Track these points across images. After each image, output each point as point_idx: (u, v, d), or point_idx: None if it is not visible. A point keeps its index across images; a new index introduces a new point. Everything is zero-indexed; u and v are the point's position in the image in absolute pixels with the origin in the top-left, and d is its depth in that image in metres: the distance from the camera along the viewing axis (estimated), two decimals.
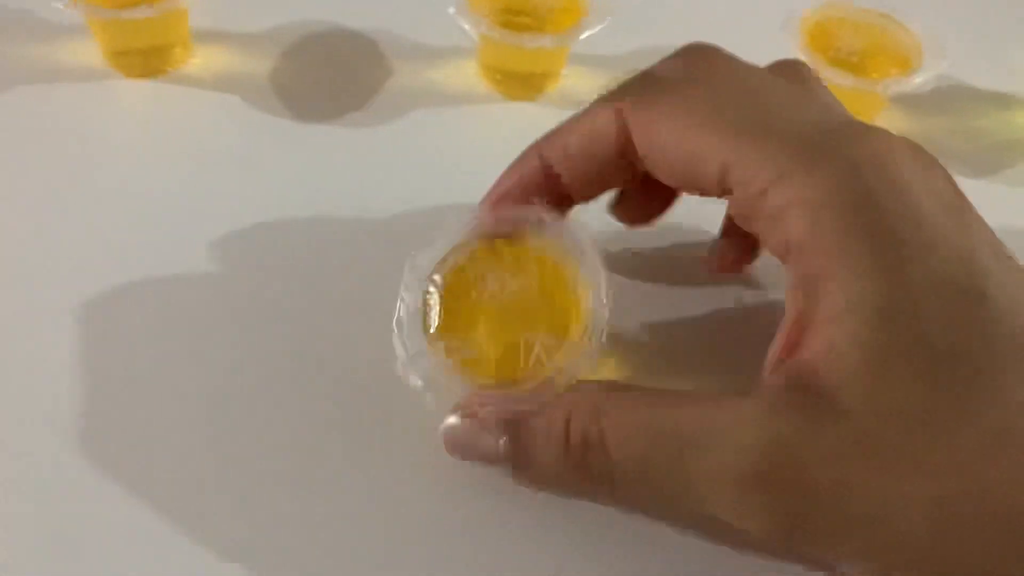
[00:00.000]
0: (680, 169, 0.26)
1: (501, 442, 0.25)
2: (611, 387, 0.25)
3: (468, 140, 0.39)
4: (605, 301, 0.27)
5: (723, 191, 0.26)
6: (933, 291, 0.21)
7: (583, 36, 0.37)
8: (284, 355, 0.31)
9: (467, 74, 0.41)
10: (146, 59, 0.40)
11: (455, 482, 0.28)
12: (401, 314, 0.27)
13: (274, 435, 0.29)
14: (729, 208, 0.26)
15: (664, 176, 0.27)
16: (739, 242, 0.33)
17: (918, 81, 0.37)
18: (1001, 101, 0.43)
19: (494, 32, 0.37)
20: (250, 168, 0.37)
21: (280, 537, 0.27)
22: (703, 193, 0.26)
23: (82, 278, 0.32)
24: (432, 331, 0.27)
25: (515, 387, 0.26)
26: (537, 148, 0.29)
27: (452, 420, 0.26)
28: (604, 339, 0.26)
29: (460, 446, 0.26)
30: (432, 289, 0.27)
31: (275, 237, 0.34)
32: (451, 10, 0.38)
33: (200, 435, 0.29)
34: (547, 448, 0.25)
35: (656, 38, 0.42)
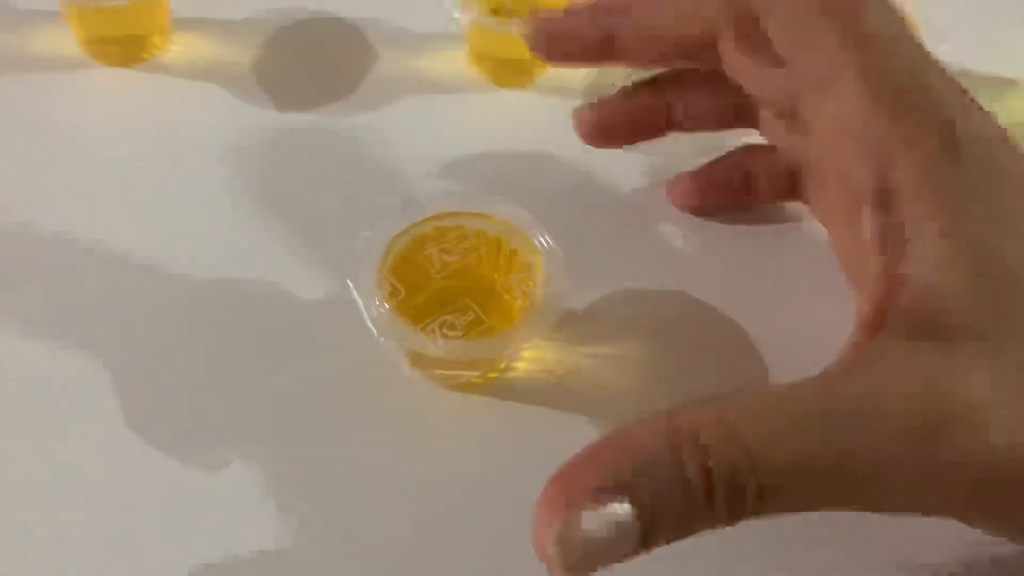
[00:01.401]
0: (790, 42, 0.26)
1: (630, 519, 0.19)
2: (712, 401, 0.21)
3: (457, 128, 0.38)
4: (554, 279, 0.28)
5: (819, 91, 0.25)
6: None
7: None
8: (266, 346, 0.30)
9: (456, 61, 0.40)
10: (124, 47, 0.39)
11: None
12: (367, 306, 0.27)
13: (261, 415, 0.28)
14: (820, 115, 0.26)
15: (774, 36, 0.26)
16: (706, 183, 0.33)
17: None
18: (999, 86, 0.42)
19: (483, 18, 0.36)
20: (231, 158, 0.36)
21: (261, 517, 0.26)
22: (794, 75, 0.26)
23: (59, 269, 0.32)
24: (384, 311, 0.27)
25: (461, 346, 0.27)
26: (609, 18, 0.29)
27: (558, 527, 0.19)
28: (553, 313, 0.27)
29: (587, 552, 0.19)
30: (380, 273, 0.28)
31: (257, 228, 0.33)
32: None
33: (188, 424, 0.28)
34: (686, 494, 0.19)
35: None
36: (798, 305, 0.32)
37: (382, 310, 0.27)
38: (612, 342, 0.31)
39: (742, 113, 0.32)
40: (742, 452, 0.19)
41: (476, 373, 0.29)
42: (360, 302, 0.27)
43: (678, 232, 0.34)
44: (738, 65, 0.28)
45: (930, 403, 0.20)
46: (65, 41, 0.39)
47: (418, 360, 0.29)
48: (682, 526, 0.20)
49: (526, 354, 0.30)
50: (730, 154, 0.33)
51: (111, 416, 0.28)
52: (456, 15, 0.36)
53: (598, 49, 0.30)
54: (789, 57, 0.26)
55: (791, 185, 0.32)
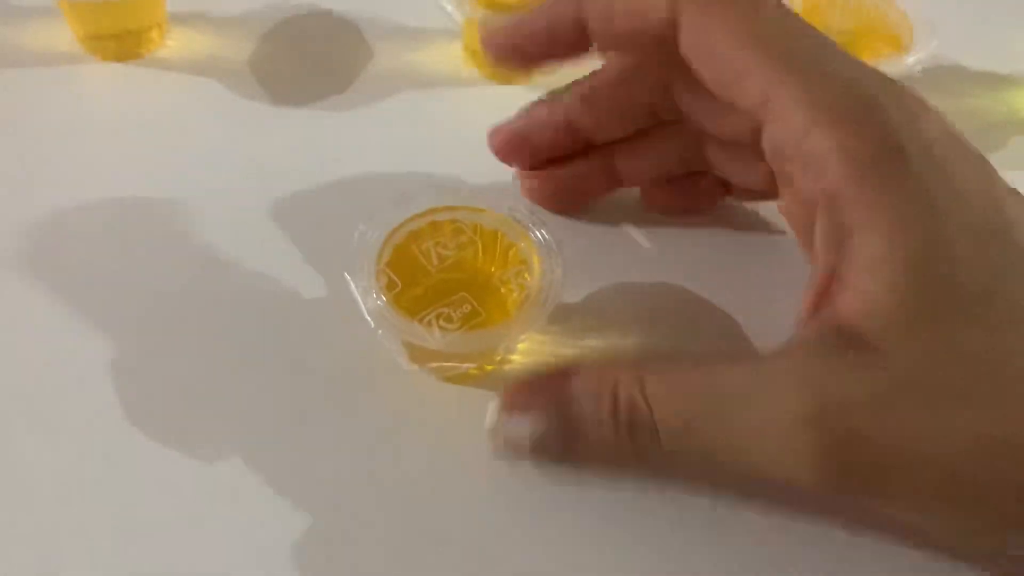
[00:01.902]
0: (719, 78, 0.26)
1: (549, 422, 0.25)
2: (649, 358, 0.26)
3: (453, 123, 0.38)
4: (549, 272, 0.28)
5: (757, 118, 0.26)
6: (965, 238, 0.22)
7: None
8: (264, 339, 0.30)
9: (451, 56, 0.40)
10: (120, 42, 0.39)
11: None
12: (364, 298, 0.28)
13: (260, 407, 0.28)
14: (763, 140, 0.26)
15: (704, 75, 0.27)
16: (676, 186, 0.33)
17: (910, 61, 0.37)
18: (993, 81, 0.42)
19: (477, 13, 0.37)
20: (228, 153, 0.36)
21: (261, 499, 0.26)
22: (733, 106, 0.26)
23: (56, 265, 0.32)
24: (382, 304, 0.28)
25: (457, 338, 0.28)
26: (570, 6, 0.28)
27: (492, 418, 0.26)
28: (549, 306, 0.28)
29: (509, 442, 0.26)
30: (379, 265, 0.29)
31: (254, 222, 0.33)
32: None
33: (186, 417, 0.28)
34: (596, 421, 0.25)
35: None
36: (790, 299, 0.32)
37: (379, 303, 0.27)
38: (607, 335, 0.31)
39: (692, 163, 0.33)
40: (643, 400, 0.24)
41: (473, 365, 0.29)
42: (358, 295, 0.27)
43: (672, 226, 0.34)
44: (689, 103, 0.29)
45: (819, 409, 0.22)
46: (62, 36, 0.39)
47: (415, 352, 0.29)
48: (596, 445, 0.25)
49: (522, 347, 0.30)
50: (697, 174, 0.34)
51: (108, 410, 0.28)
52: (449, 9, 0.36)
53: (565, 46, 0.29)
54: (723, 93, 0.26)
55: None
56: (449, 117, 0.38)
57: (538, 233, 0.29)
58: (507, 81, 0.40)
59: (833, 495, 0.25)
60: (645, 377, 0.24)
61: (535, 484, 0.28)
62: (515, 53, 0.29)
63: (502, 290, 0.30)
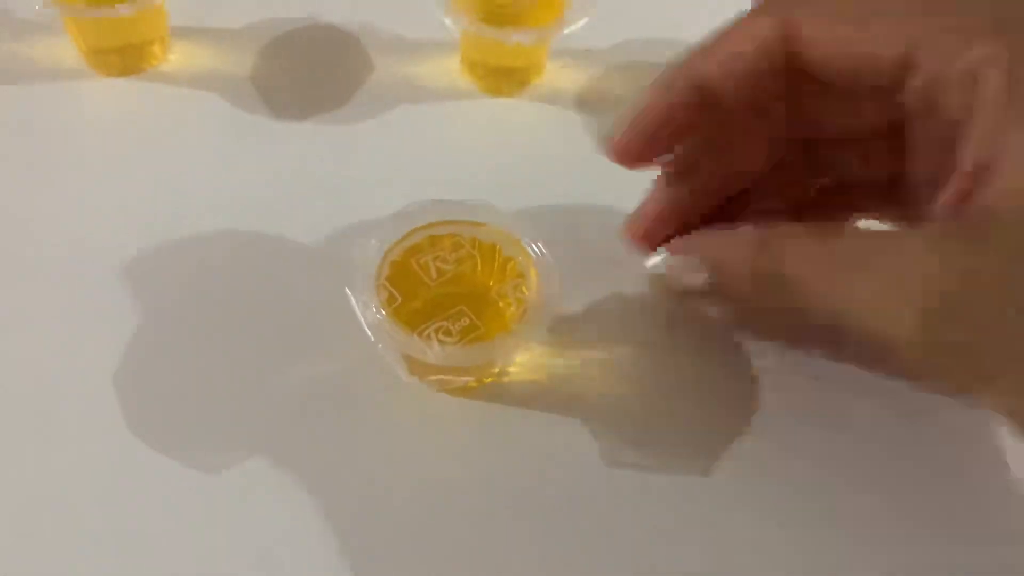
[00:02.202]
0: (852, 62, 0.26)
1: (707, 276, 0.27)
2: (793, 225, 0.26)
3: (452, 136, 0.38)
4: (547, 285, 0.29)
5: (902, 71, 0.26)
6: None
7: (566, 31, 0.37)
8: (265, 352, 0.31)
9: (449, 69, 0.41)
10: (123, 57, 0.39)
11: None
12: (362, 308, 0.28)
13: (261, 419, 0.29)
14: (905, 94, 0.26)
15: (833, 72, 0.27)
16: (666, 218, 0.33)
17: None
18: None
19: (475, 27, 0.37)
20: (229, 166, 0.36)
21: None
22: (870, 83, 0.26)
23: (60, 275, 0.32)
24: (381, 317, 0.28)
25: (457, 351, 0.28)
26: (685, 71, 0.28)
27: (657, 259, 0.28)
28: (546, 319, 0.28)
29: (671, 279, 0.28)
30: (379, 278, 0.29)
31: (256, 236, 0.34)
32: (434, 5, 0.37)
33: (186, 428, 0.29)
34: (742, 278, 0.26)
35: (640, 30, 0.42)
36: None
37: (379, 316, 0.28)
38: (604, 347, 0.32)
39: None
40: (778, 254, 0.25)
41: (471, 378, 0.30)
42: (357, 309, 0.28)
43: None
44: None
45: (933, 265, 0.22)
46: (66, 51, 0.39)
47: (415, 365, 0.29)
48: (738, 281, 0.26)
49: (520, 359, 0.31)
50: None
51: (108, 419, 0.29)
52: (447, 22, 0.37)
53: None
54: (858, 63, 0.27)
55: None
56: (448, 130, 0.38)
57: (535, 247, 0.30)
58: (504, 94, 0.40)
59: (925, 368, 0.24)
60: (781, 242, 0.25)
61: (533, 493, 0.28)
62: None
63: (500, 303, 0.30)
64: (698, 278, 0.27)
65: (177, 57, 0.40)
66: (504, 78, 0.40)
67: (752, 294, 0.26)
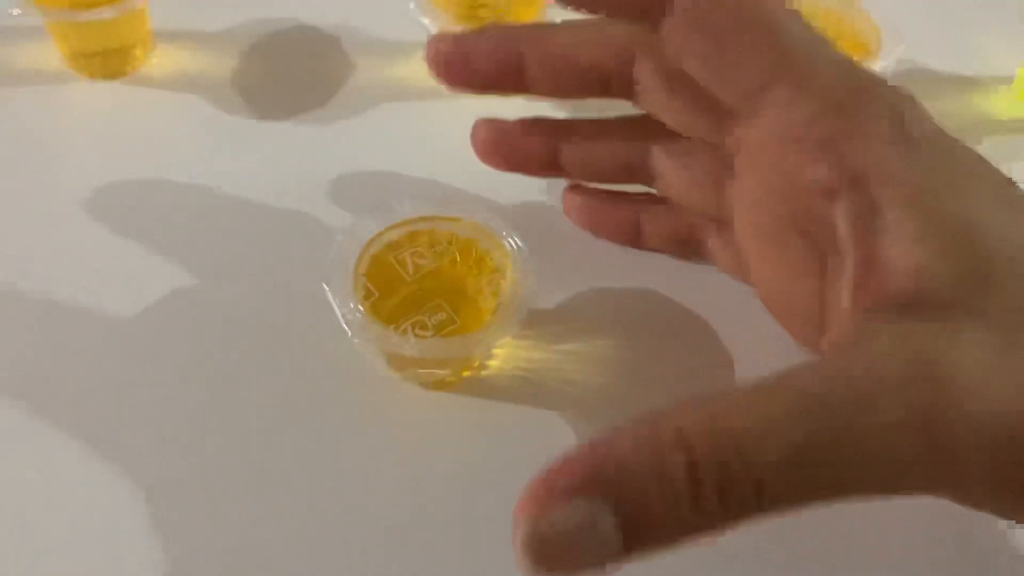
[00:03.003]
0: (708, 68, 0.26)
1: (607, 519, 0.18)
2: (699, 399, 0.20)
3: (429, 135, 0.39)
4: (524, 279, 0.29)
5: (750, 110, 0.26)
6: (991, 207, 0.23)
7: None
8: (243, 348, 0.31)
9: (428, 70, 0.41)
10: (106, 60, 0.40)
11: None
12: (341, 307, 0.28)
13: (239, 416, 0.29)
14: (749, 131, 0.26)
15: (692, 64, 0.27)
16: (597, 215, 0.34)
17: (880, 67, 0.38)
18: (960, 84, 0.43)
19: (454, 27, 0.37)
20: (212, 167, 0.37)
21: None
22: (713, 110, 0.27)
23: (44, 279, 0.32)
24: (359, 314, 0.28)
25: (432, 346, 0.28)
26: (517, 42, 0.29)
27: (525, 525, 0.18)
28: (522, 312, 0.28)
29: (558, 551, 0.18)
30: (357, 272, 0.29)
31: (236, 233, 0.34)
32: (411, 5, 0.38)
33: (165, 425, 0.29)
34: (670, 494, 0.18)
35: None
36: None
37: (357, 312, 0.28)
38: (582, 339, 0.32)
39: (635, 169, 0.32)
40: (731, 445, 0.18)
41: (448, 371, 0.30)
42: (335, 304, 0.28)
43: None
44: (653, 91, 0.28)
45: (930, 374, 0.20)
46: (48, 55, 0.40)
47: (393, 360, 0.30)
48: (669, 530, 0.18)
49: (498, 352, 0.31)
50: (625, 196, 0.34)
51: (85, 419, 0.29)
52: (426, 22, 0.37)
53: (503, 76, 0.29)
54: (711, 79, 0.27)
55: (682, 245, 0.33)
56: (426, 129, 0.39)
57: (512, 241, 0.30)
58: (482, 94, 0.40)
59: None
60: (722, 422, 0.19)
61: (513, 486, 0.28)
62: (458, 65, 0.29)
63: (477, 298, 0.30)
64: (579, 525, 0.18)
65: (159, 60, 0.41)
66: None
67: (694, 514, 0.18)
